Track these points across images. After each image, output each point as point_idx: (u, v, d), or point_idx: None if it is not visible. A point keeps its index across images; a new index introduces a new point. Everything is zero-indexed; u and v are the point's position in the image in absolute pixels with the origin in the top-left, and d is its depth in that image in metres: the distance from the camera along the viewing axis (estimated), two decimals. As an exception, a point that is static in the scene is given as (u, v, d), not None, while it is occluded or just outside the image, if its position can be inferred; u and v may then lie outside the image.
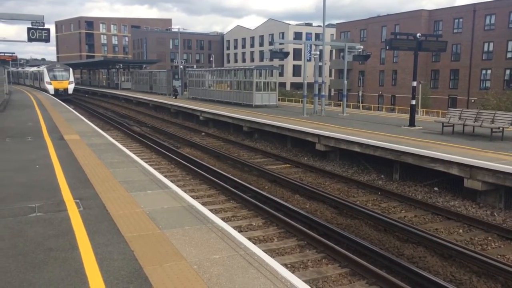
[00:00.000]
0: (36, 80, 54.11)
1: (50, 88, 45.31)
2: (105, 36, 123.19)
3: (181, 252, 5.24)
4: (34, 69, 58.15)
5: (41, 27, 15.40)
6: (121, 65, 60.86)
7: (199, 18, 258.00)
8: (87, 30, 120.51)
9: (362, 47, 26.18)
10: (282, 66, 77.84)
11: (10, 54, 42.29)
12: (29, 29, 15.49)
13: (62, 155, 11.29)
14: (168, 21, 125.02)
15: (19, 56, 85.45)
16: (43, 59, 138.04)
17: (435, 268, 7.42)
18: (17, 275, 4.62)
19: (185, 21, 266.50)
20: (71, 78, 46.99)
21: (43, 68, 48.97)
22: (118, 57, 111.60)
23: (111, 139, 14.81)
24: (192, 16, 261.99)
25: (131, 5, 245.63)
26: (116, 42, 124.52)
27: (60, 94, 43.60)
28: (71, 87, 46.35)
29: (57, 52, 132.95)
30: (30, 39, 15.48)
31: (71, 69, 48.11)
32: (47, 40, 15.55)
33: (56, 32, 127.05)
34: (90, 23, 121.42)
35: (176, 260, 5.03)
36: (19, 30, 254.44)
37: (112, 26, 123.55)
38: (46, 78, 46.15)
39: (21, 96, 39.39)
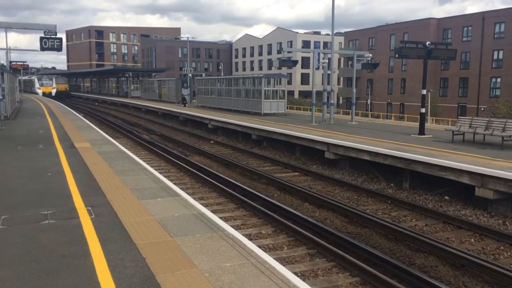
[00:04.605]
0: (28, 86, 72.86)
1: (39, 92, 64.58)
2: (114, 45, 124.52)
3: (193, 260, 5.26)
4: (27, 78, 76.32)
5: (54, 36, 15.62)
6: (131, 73, 61.62)
7: (209, 27, 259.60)
8: (97, 39, 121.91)
9: (370, 55, 26.22)
10: (291, 74, 77.94)
11: (22, 63, 43.01)
12: (41, 38, 15.71)
13: (73, 162, 11.40)
14: (177, 30, 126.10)
15: (31, 65, 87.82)
16: (54, 68, 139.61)
17: (447, 277, 7.35)
18: (30, 281, 4.67)
19: (195, 30, 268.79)
20: (54, 85, 67.18)
21: (34, 78, 70.97)
22: (128, 65, 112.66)
23: (121, 146, 14.92)
24: (202, 25, 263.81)
25: (142, 14, 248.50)
26: (126, 51, 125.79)
27: (47, 96, 61.56)
28: (54, 91, 65.75)
29: (68, 61, 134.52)
30: (42, 48, 15.69)
31: (54, 78, 69.38)
32: (59, 49, 15.76)
33: (67, 41, 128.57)
34: (100, 32, 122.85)
35: (188, 267, 5.04)
36: (31, 39, 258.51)
37: (121, 35, 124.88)
38: (37, 85, 66.22)
39: (31, 104, 39.87)
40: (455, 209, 11.29)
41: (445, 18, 53.67)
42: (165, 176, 11.14)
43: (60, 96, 65.28)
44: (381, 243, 8.85)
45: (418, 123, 19.38)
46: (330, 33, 23.96)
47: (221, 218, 8.05)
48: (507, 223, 10.24)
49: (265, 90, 28.44)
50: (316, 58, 28.94)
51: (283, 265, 5.71)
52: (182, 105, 39.20)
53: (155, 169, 12.11)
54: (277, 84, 29.45)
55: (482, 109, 47.15)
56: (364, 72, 56.63)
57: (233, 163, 16.63)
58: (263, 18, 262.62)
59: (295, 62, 27.22)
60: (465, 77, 50.60)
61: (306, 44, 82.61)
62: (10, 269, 4.94)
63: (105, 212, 7.11)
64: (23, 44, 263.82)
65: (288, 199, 12.01)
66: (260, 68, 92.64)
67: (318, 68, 27.64)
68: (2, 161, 11.70)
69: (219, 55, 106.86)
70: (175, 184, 10.41)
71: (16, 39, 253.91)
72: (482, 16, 48.25)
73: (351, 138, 16.70)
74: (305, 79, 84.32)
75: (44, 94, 63.21)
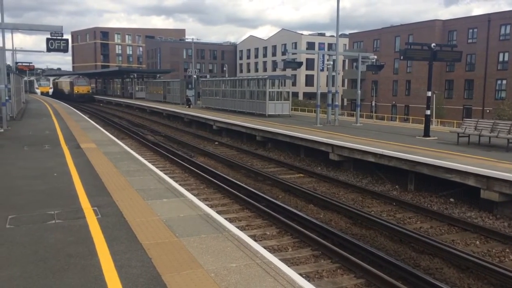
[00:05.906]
0: (29, 87, 78.39)
1: (38, 91, 73.83)
2: (119, 46, 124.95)
3: (199, 260, 5.28)
4: (26, 78, 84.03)
5: (60, 37, 15.71)
6: (135, 74, 61.73)
7: (214, 29, 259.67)
8: (102, 40, 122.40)
9: (375, 57, 26.16)
10: (295, 76, 77.96)
11: (28, 64, 43.16)
12: (48, 40, 15.81)
13: (79, 163, 11.46)
14: (182, 31, 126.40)
15: (36, 66, 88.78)
16: (59, 69, 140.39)
17: (452, 280, 7.34)
18: (38, 281, 4.71)
19: (200, 32, 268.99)
20: (51, 85, 76.33)
21: (33, 79, 79.74)
22: (133, 66, 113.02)
23: (126, 147, 14.98)
24: (207, 26, 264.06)
25: (148, 15, 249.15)
26: (131, 52, 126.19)
27: (44, 95, 69.71)
28: (50, 91, 74.32)
29: (73, 62, 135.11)
30: (49, 49, 15.79)
31: (51, 79, 78.72)
32: (65, 50, 15.85)
33: (72, 42, 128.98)
34: (105, 33, 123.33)
35: (194, 268, 5.07)
36: (37, 40, 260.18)
37: (127, 36, 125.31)
38: (36, 85, 75.90)
39: (37, 105, 40.08)
40: (460, 211, 11.26)
41: (450, 19, 53.51)
42: (170, 177, 11.17)
43: (80, 100, 58.06)
44: (386, 245, 8.84)
45: (423, 125, 19.35)
46: (335, 34, 23.95)
47: (226, 219, 8.07)
48: (512, 225, 10.20)
49: (269, 92, 28.47)
50: (320, 60, 28.92)
51: (288, 266, 5.73)
52: (187, 106, 39.28)
53: (160, 170, 12.16)
54: (281, 85, 29.45)
55: (488, 111, 46.95)
56: (369, 74, 56.61)
57: (237, 164, 16.66)
58: (268, 20, 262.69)
59: (300, 64, 27.27)
60: (471, 79, 50.42)
61: (310, 45, 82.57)
62: (18, 268, 4.99)
63: (111, 212, 7.15)
64: (28, 45, 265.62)
65: (293, 201, 12.02)
66: (265, 70, 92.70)
67: (322, 70, 27.65)
68: (9, 162, 11.79)
69: (224, 56, 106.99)
70: (180, 185, 10.45)
71: (22, 40, 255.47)
72: (488, 18, 48.07)
73: (356, 140, 16.69)
74: (309, 80, 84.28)
75: (42, 93, 71.17)
